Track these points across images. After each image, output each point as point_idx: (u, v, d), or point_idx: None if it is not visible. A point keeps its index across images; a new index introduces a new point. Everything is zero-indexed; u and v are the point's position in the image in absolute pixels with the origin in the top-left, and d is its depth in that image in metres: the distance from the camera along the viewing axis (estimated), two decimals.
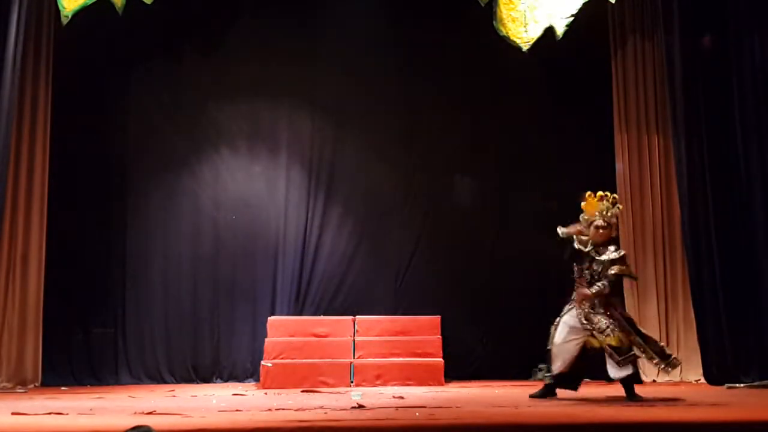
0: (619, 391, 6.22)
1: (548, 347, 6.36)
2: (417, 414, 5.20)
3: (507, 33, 8.22)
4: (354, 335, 8.40)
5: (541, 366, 7.61)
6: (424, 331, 8.43)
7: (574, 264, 6.33)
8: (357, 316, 8.55)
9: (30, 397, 7.02)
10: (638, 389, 6.20)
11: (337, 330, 8.43)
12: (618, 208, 6.40)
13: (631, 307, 8.31)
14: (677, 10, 8.06)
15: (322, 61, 9.08)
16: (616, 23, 8.75)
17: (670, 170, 8.34)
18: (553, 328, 6.36)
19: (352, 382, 7.93)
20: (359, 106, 9.11)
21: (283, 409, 5.63)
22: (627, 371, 6.07)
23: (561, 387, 6.31)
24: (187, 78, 9.01)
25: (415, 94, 9.16)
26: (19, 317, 8.03)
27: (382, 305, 8.82)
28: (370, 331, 8.45)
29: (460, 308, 8.81)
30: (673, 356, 6.31)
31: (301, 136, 9.11)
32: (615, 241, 6.43)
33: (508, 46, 8.28)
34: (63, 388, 7.92)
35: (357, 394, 6.82)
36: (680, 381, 7.98)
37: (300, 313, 8.72)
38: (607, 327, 6.10)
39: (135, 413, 5.36)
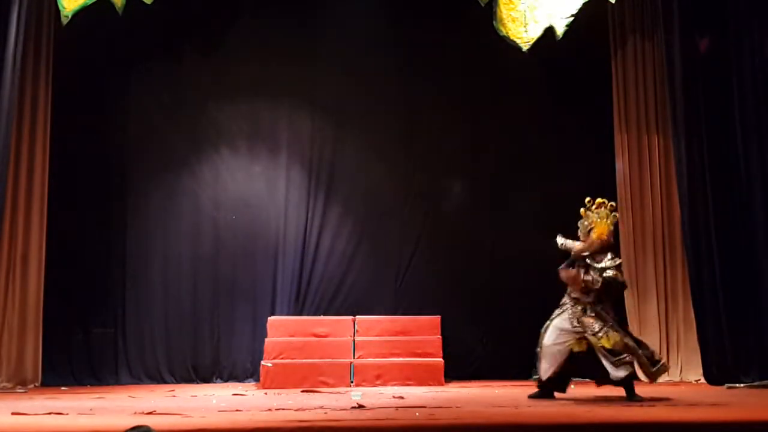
0: (618, 391, 6.22)
1: (537, 349, 6.41)
2: (417, 414, 5.21)
3: (507, 33, 8.22)
4: (354, 335, 8.40)
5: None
6: (424, 331, 8.43)
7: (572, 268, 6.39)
8: (357, 316, 8.55)
9: (30, 397, 7.02)
10: (638, 389, 6.20)
11: (337, 330, 8.43)
12: (615, 215, 6.44)
13: (631, 307, 8.34)
14: (677, 10, 8.05)
15: (322, 61, 9.08)
16: (616, 23, 8.76)
17: (670, 170, 8.34)
18: (543, 330, 6.41)
19: (352, 382, 7.93)
20: (359, 106, 9.11)
21: (283, 409, 5.63)
22: (625, 371, 6.08)
23: (549, 390, 6.32)
24: (187, 78, 9.01)
25: (415, 94, 9.16)
26: (19, 317, 8.03)
27: (382, 305, 8.82)
28: (370, 331, 8.45)
29: (460, 308, 8.81)
30: (662, 362, 6.36)
31: (301, 136, 9.11)
32: (611, 249, 6.44)
33: (508, 46, 8.28)
34: (63, 388, 7.92)
35: (357, 394, 6.83)
36: (680, 381, 7.98)
37: (300, 313, 8.72)
38: (600, 329, 6.14)
39: (135, 413, 5.36)
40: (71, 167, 8.59)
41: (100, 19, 8.02)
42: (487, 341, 8.81)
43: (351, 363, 8.06)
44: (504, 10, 8.20)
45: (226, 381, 8.50)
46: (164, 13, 8.35)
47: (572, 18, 8.05)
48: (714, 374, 7.61)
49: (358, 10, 9.04)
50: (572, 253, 6.34)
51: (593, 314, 6.22)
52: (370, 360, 8.14)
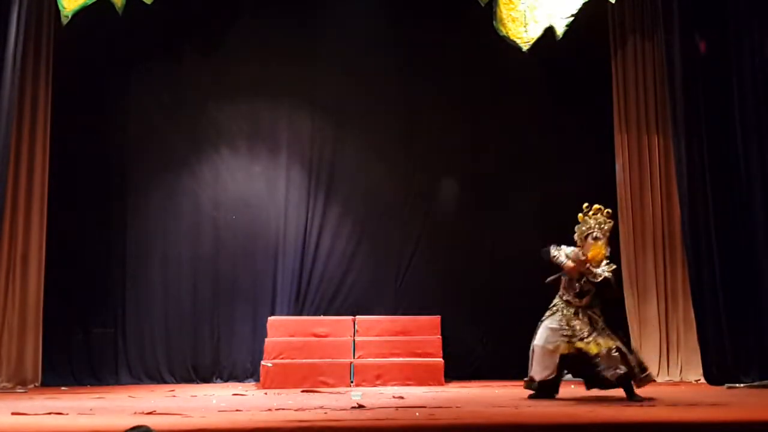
0: (618, 391, 6.21)
1: (531, 347, 6.43)
2: (417, 414, 5.21)
3: (507, 33, 8.22)
4: (354, 335, 8.40)
5: None
6: (424, 331, 8.43)
7: (562, 277, 6.43)
8: (357, 316, 8.55)
9: (30, 397, 7.02)
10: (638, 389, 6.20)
11: (337, 330, 8.44)
12: (609, 224, 6.45)
13: (631, 307, 8.35)
14: (677, 10, 8.05)
15: (322, 61, 9.08)
16: (616, 23, 8.76)
17: (670, 170, 8.34)
18: (535, 330, 6.45)
19: (352, 382, 7.93)
20: (359, 106, 9.11)
21: (283, 409, 5.63)
22: (620, 370, 6.08)
23: (542, 394, 6.33)
24: (187, 78, 9.01)
25: (415, 94, 9.16)
26: (19, 317, 8.03)
27: (382, 305, 8.82)
28: (370, 331, 8.45)
29: (460, 308, 8.81)
30: (650, 372, 6.37)
31: (301, 136, 9.11)
32: (606, 256, 6.44)
33: (508, 46, 8.28)
34: (63, 388, 7.92)
35: (357, 394, 6.83)
36: (680, 381, 7.99)
37: (300, 313, 8.72)
38: (590, 334, 6.17)
39: (135, 413, 5.36)
40: (71, 167, 8.59)
41: (100, 19, 8.02)
42: (487, 341, 8.81)
43: (351, 363, 8.06)
44: (504, 10, 8.20)
45: (226, 381, 8.50)
46: (164, 13, 8.35)
47: (572, 18, 8.05)
48: (714, 374, 7.61)
49: (358, 10, 9.04)
50: (563, 268, 6.37)
51: (585, 318, 6.25)
52: (370, 360, 8.14)
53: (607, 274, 6.28)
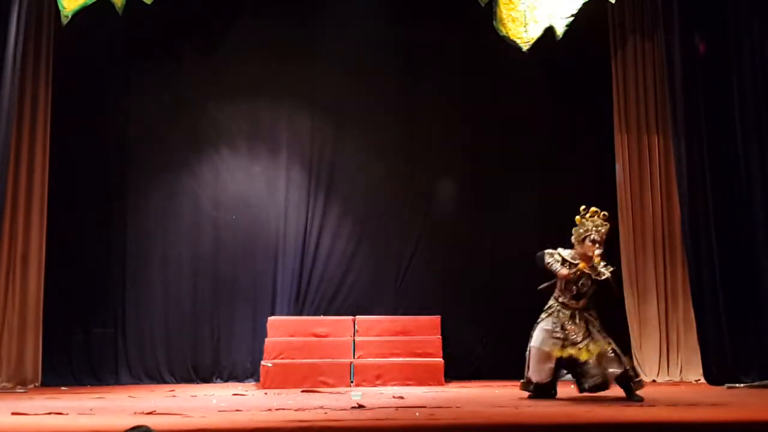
0: (619, 391, 6.22)
1: (527, 349, 6.45)
2: (417, 414, 5.21)
3: (507, 33, 8.22)
4: (354, 335, 8.40)
5: None
6: (424, 331, 8.43)
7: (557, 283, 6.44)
8: (357, 316, 8.55)
9: (30, 397, 7.02)
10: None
11: (337, 330, 8.43)
12: (606, 226, 6.44)
13: (631, 307, 8.35)
14: (677, 10, 8.05)
15: (322, 61, 9.08)
16: (616, 23, 8.76)
17: (670, 170, 8.34)
18: (531, 331, 6.45)
19: (352, 382, 7.93)
20: (359, 106, 9.11)
21: (283, 409, 5.63)
22: (617, 370, 6.08)
23: (540, 395, 6.34)
24: (187, 78, 9.01)
25: (415, 94, 9.16)
26: (19, 317, 8.03)
27: (382, 305, 8.82)
28: (370, 331, 8.45)
29: (460, 308, 8.81)
30: (641, 378, 6.40)
31: (301, 136, 9.11)
32: (603, 257, 6.45)
33: (508, 46, 8.28)
34: (63, 388, 7.92)
35: (357, 394, 6.83)
36: (680, 381, 7.99)
37: (300, 313, 8.72)
38: (582, 340, 6.19)
39: (135, 413, 5.36)
40: (71, 167, 8.59)
41: (100, 19, 8.02)
42: (487, 341, 8.80)
43: (351, 363, 8.06)
44: (504, 10, 8.19)
45: (226, 381, 8.50)
46: (164, 13, 8.34)
47: (572, 18, 8.04)
48: (714, 374, 7.61)
49: (358, 10, 9.04)
50: (557, 275, 6.37)
51: (581, 321, 6.25)
52: (370, 360, 8.14)
53: (607, 274, 6.29)
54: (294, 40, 9.05)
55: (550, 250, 6.46)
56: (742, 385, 7.34)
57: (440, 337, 8.32)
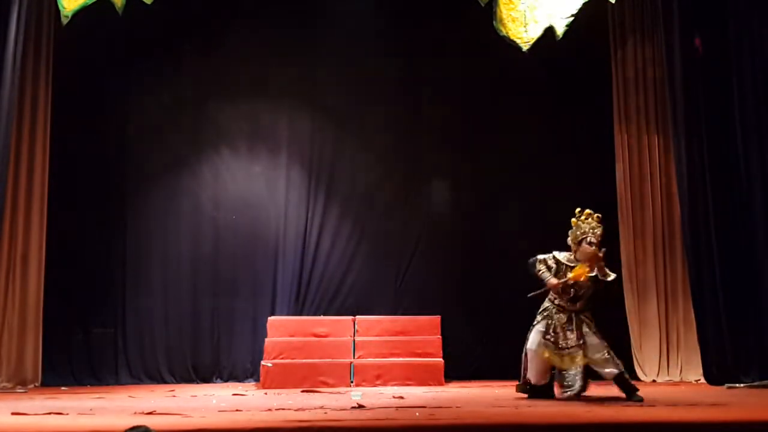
0: (618, 391, 6.21)
1: (524, 350, 6.46)
2: (417, 414, 5.21)
3: (507, 33, 8.20)
4: (354, 335, 8.40)
5: None
6: (424, 331, 8.43)
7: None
8: (357, 316, 8.55)
9: (30, 397, 7.02)
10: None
11: (337, 330, 8.44)
12: (600, 228, 6.43)
13: (631, 307, 8.35)
14: (677, 10, 8.05)
15: (322, 61, 9.09)
16: (616, 23, 8.76)
17: (670, 170, 8.34)
18: (528, 333, 6.47)
19: (352, 382, 7.93)
20: (359, 106, 9.11)
21: (283, 409, 5.63)
22: (615, 370, 6.08)
23: (538, 395, 6.34)
24: (187, 78, 9.02)
25: (415, 93, 9.16)
26: (19, 317, 8.04)
27: (382, 305, 8.82)
28: (370, 331, 8.45)
29: (460, 308, 8.81)
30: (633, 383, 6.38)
31: (301, 136, 9.11)
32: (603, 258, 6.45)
33: (508, 46, 8.27)
34: (63, 388, 7.92)
35: (357, 394, 6.83)
36: (680, 381, 7.99)
37: (300, 313, 8.73)
38: (573, 346, 6.20)
39: (135, 413, 5.36)
40: (71, 167, 8.59)
41: (100, 19, 8.01)
42: (487, 341, 8.80)
43: (351, 363, 8.06)
44: (504, 10, 8.19)
45: (226, 381, 8.50)
46: (164, 13, 8.34)
47: (572, 18, 8.02)
48: (714, 374, 7.61)
49: (358, 10, 9.05)
50: (546, 284, 6.37)
51: (576, 325, 6.24)
52: (370, 360, 8.14)
53: (614, 275, 6.31)
54: (294, 40, 9.06)
55: (542, 256, 6.46)
56: (742, 385, 7.34)
57: (440, 337, 8.32)
